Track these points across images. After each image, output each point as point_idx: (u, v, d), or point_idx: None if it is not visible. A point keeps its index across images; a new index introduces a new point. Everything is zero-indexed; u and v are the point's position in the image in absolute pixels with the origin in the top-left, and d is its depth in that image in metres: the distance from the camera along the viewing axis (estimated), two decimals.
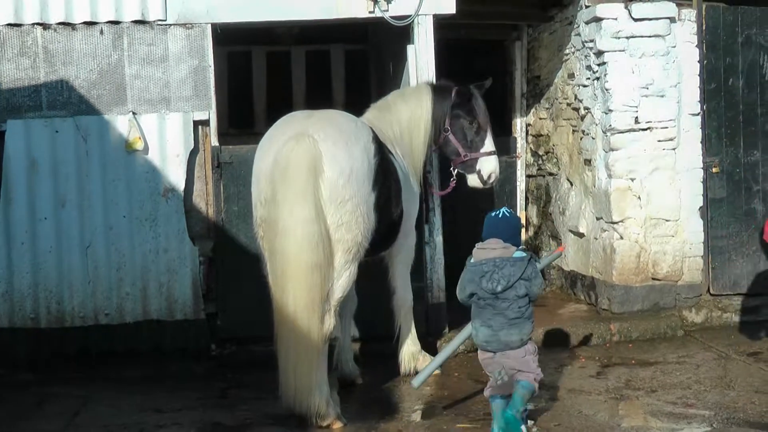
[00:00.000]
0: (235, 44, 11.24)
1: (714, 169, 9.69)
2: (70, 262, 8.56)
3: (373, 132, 6.92)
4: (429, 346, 8.37)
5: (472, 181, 7.91)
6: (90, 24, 8.56)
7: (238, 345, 8.56)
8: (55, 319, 8.57)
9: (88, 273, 8.58)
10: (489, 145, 7.82)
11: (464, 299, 6.43)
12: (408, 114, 7.68)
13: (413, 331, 7.95)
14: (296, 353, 6.36)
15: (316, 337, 6.37)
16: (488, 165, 7.80)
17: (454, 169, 7.94)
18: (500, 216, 6.44)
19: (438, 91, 7.82)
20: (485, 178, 7.84)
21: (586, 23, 9.72)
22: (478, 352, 6.47)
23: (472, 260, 6.37)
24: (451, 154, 7.87)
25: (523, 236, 11.62)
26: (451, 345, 7.22)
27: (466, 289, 6.35)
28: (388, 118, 7.68)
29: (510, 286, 6.18)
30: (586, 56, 9.86)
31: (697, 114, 9.64)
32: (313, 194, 6.25)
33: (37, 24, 8.52)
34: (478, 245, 6.37)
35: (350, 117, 6.95)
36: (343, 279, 6.55)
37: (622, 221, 9.47)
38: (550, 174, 11.17)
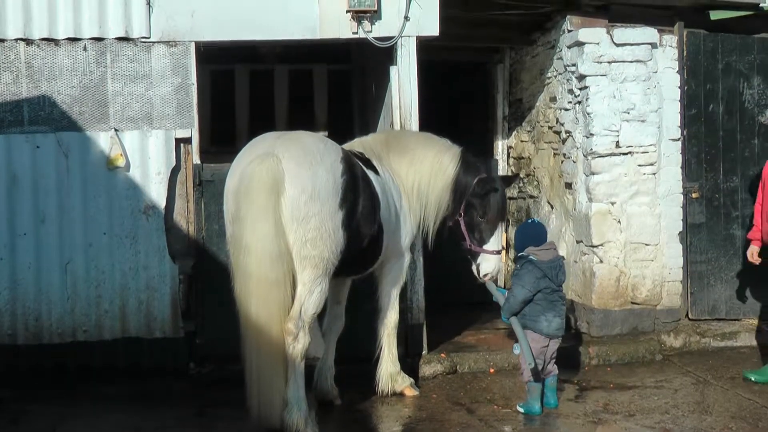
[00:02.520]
0: (218, 62, 11.26)
1: (694, 195, 9.76)
2: (49, 278, 8.52)
3: (344, 152, 6.94)
4: (408, 367, 8.37)
5: (474, 269, 7.72)
6: (73, 40, 8.55)
7: (216, 363, 8.52)
8: (32, 335, 8.53)
9: (67, 289, 8.55)
10: (494, 243, 7.63)
11: (528, 299, 7.40)
12: (421, 160, 7.66)
13: (394, 351, 7.94)
14: (259, 368, 6.43)
15: (279, 352, 6.45)
16: (487, 264, 7.60)
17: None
18: (537, 222, 7.87)
19: (466, 164, 7.68)
20: (480, 275, 7.67)
21: (569, 47, 9.79)
22: (536, 342, 7.40)
23: (535, 260, 7.39)
24: (457, 238, 7.77)
25: (503, 258, 11.64)
26: (520, 333, 7.49)
27: (535, 288, 7.37)
28: (393, 146, 7.73)
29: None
30: (568, 80, 9.92)
31: (678, 139, 9.72)
32: (273, 212, 6.32)
33: (20, 39, 8.50)
34: (536, 249, 7.48)
35: (319, 137, 7.00)
36: (314, 295, 6.59)
37: (602, 245, 9.52)
38: (531, 197, 11.21)
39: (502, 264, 8.00)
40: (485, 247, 7.61)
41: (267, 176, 6.33)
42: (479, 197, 7.61)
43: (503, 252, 11.41)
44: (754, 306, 10.01)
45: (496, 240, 7.65)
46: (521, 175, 11.39)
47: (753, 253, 8.59)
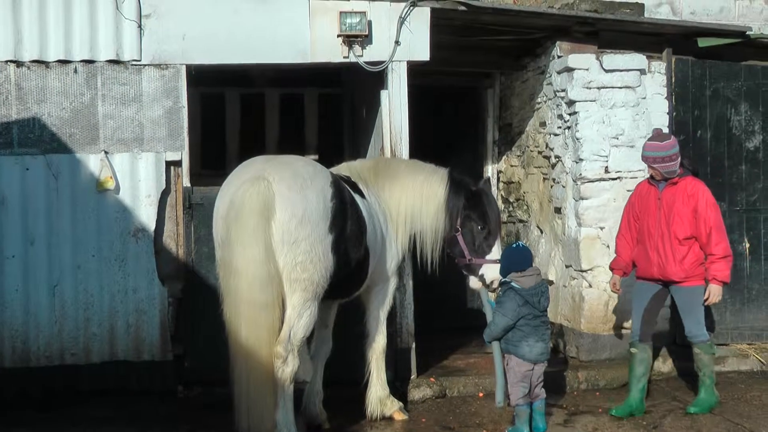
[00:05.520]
0: (209, 86, 11.27)
1: None
2: (37, 300, 8.49)
3: (333, 176, 6.97)
4: (397, 391, 8.36)
5: (473, 282, 7.78)
6: (64, 62, 8.57)
7: (205, 387, 8.48)
8: (19, 358, 8.49)
9: (55, 312, 8.52)
10: (496, 252, 7.70)
11: (509, 326, 7.34)
12: (412, 186, 7.69)
13: (383, 375, 7.94)
14: (248, 391, 6.43)
15: (268, 375, 6.45)
16: (492, 272, 7.65)
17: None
18: (522, 247, 7.61)
19: (454, 183, 7.73)
20: (487, 282, 7.70)
21: (558, 73, 9.83)
22: (520, 366, 7.35)
23: (517, 287, 7.32)
24: (455, 254, 7.77)
25: None
26: (497, 362, 7.52)
27: (517, 315, 7.31)
28: (382, 173, 7.76)
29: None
30: (557, 105, 9.96)
31: None
32: (263, 235, 6.34)
33: (10, 61, 8.50)
34: (519, 275, 7.37)
35: (309, 161, 7.03)
36: (304, 318, 6.60)
37: (591, 269, 9.53)
38: (521, 221, 11.23)
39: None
40: (488, 257, 7.65)
41: (257, 200, 6.35)
42: (475, 208, 7.66)
43: None
44: (742, 331, 10.06)
45: (497, 248, 7.71)
46: (511, 200, 11.42)
47: (615, 283, 8.51)
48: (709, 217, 7.90)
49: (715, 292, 7.97)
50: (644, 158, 8.13)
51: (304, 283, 6.51)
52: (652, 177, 8.18)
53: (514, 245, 7.67)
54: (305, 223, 6.44)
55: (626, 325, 9.58)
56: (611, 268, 8.57)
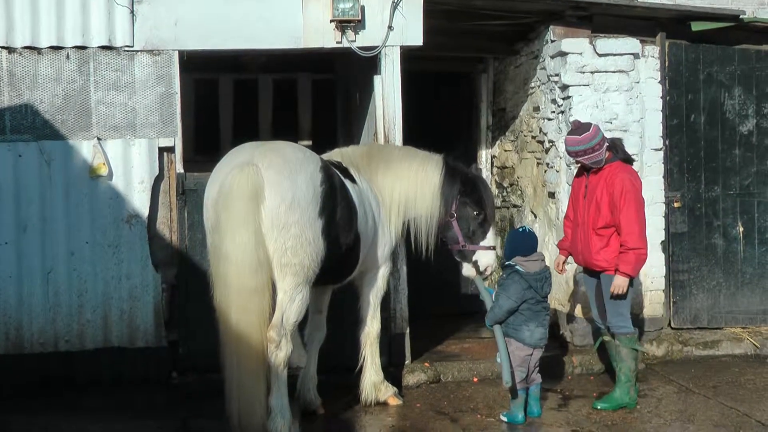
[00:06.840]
0: (203, 71, 11.24)
1: (676, 204, 9.80)
2: (30, 287, 8.48)
3: (323, 162, 6.96)
4: (391, 376, 8.37)
5: (466, 270, 7.77)
6: (56, 48, 8.53)
7: (199, 373, 8.46)
8: (13, 345, 8.47)
9: (49, 299, 8.50)
10: (490, 239, 7.71)
11: (513, 309, 7.41)
12: (406, 172, 7.68)
13: (377, 361, 7.94)
14: (239, 377, 6.42)
15: (259, 360, 6.45)
16: (486, 258, 7.67)
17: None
18: (528, 231, 7.70)
19: (449, 170, 7.72)
20: (481, 269, 7.71)
21: (552, 57, 9.82)
22: (519, 350, 7.44)
23: (522, 271, 7.38)
24: (449, 240, 7.76)
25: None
26: (501, 343, 7.51)
27: (520, 299, 7.38)
28: (375, 159, 7.74)
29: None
30: (551, 90, 9.95)
31: (660, 149, 9.76)
32: (253, 221, 6.34)
33: (2, 47, 8.46)
34: (524, 259, 7.45)
35: (298, 147, 7.01)
36: (296, 303, 6.61)
37: None
38: (515, 206, 11.23)
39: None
40: (482, 243, 7.67)
41: (246, 185, 6.35)
42: (470, 195, 7.67)
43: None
44: (735, 315, 10.09)
45: (492, 235, 7.73)
46: (504, 185, 11.42)
47: (559, 263, 8.36)
48: (621, 207, 7.56)
49: (617, 284, 7.61)
50: (568, 153, 8.00)
51: (295, 267, 6.51)
52: (582, 166, 7.99)
53: (520, 229, 7.73)
54: (294, 208, 6.44)
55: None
56: (558, 247, 8.52)
